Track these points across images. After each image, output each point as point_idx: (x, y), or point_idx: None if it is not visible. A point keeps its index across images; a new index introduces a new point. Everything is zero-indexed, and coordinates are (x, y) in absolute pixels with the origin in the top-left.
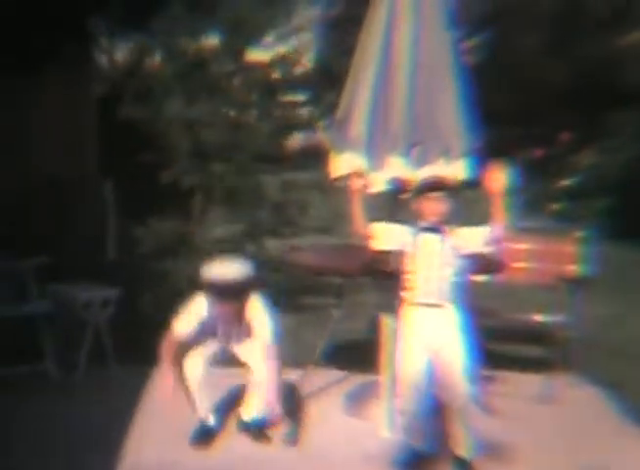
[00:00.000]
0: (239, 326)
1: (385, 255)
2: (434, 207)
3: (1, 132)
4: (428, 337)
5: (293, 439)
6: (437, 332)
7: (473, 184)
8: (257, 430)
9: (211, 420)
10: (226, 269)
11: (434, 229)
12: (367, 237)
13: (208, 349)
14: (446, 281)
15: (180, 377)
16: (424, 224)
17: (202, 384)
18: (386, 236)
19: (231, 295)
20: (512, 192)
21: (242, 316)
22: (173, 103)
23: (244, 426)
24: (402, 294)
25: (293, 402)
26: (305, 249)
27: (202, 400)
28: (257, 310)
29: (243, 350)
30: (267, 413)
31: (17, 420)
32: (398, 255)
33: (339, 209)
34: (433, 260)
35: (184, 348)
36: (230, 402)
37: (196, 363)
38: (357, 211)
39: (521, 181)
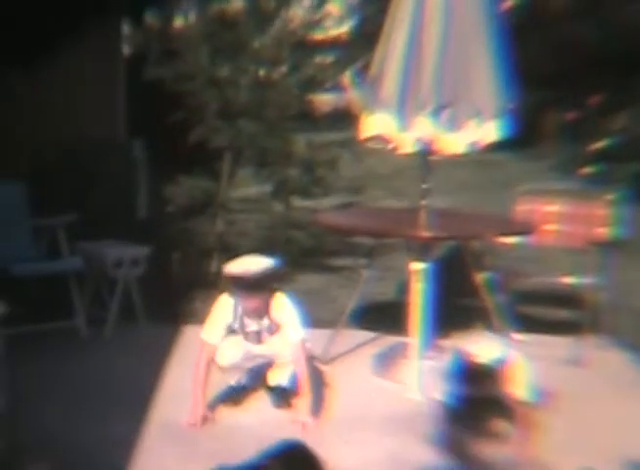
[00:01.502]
0: (266, 323)
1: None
2: None
3: (32, 92)
4: None
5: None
6: None
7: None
8: (281, 395)
9: (242, 380)
10: (249, 264)
11: None
12: None
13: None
14: None
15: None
16: None
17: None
18: None
19: (255, 288)
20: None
21: (267, 312)
22: (200, 61)
23: (269, 390)
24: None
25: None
26: (336, 210)
27: (232, 371)
28: (283, 308)
29: (269, 347)
30: (292, 384)
31: (47, 375)
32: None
33: (368, 169)
34: None
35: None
36: (261, 370)
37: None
38: None
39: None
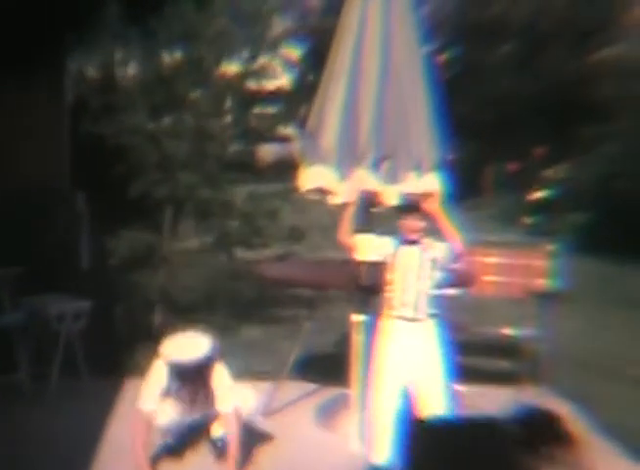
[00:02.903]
0: (203, 395)
1: (362, 267)
2: (413, 225)
3: None
4: (405, 352)
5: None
6: (415, 347)
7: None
8: (222, 448)
9: (177, 437)
10: (186, 350)
11: (413, 242)
12: (350, 247)
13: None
14: (424, 294)
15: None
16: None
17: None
18: (368, 246)
19: (192, 375)
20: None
21: (206, 386)
22: (138, 116)
23: (211, 442)
24: (380, 307)
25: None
26: (278, 262)
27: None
28: (220, 379)
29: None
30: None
31: None
32: (377, 267)
33: (310, 219)
34: (411, 272)
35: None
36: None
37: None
38: (346, 222)
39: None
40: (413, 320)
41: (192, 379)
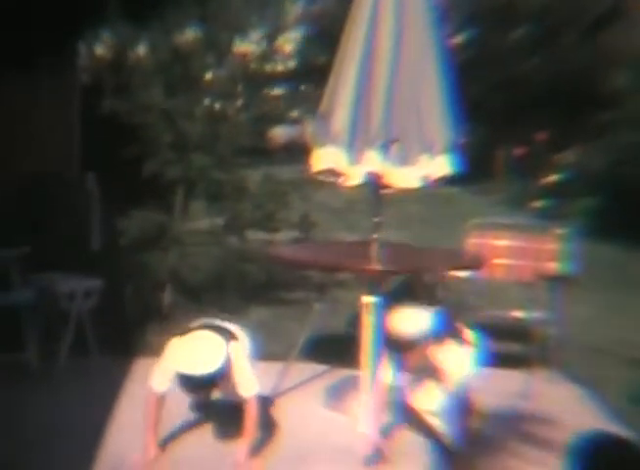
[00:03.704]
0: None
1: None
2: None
3: None
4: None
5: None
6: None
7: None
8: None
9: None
10: (197, 362)
11: None
12: None
13: None
14: None
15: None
16: None
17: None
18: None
19: (203, 387)
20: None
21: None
22: (153, 94)
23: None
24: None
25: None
26: (288, 244)
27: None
28: (238, 361)
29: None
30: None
31: None
32: None
33: (321, 202)
34: None
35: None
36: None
37: None
38: None
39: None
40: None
41: (202, 388)
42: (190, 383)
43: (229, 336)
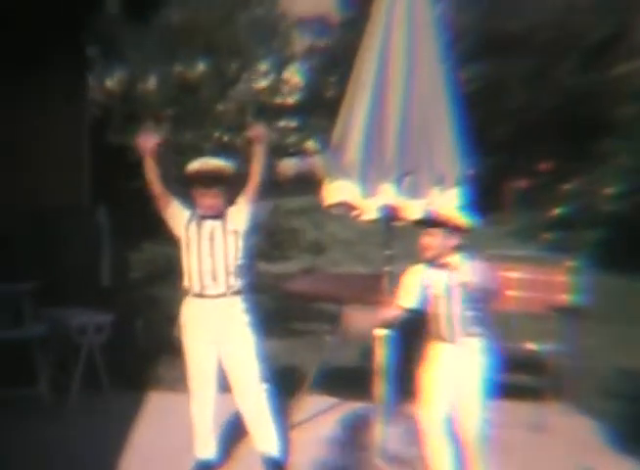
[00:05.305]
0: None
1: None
2: (431, 241)
3: None
4: (449, 374)
5: None
6: (458, 368)
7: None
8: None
9: (212, 454)
10: (208, 161)
11: (440, 265)
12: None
13: None
14: (460, 317)
15: None
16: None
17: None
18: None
19: (213, 181)
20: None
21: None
22: (162, 128)
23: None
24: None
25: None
26: (301, 276)
27: (205, 437)
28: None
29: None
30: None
31: (9, 443)
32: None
33: (331, 233)
34: (442, 298)
35: None
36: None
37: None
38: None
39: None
40: (452, 342)
41: (211, 194)
42: (203, 178)
43: None
